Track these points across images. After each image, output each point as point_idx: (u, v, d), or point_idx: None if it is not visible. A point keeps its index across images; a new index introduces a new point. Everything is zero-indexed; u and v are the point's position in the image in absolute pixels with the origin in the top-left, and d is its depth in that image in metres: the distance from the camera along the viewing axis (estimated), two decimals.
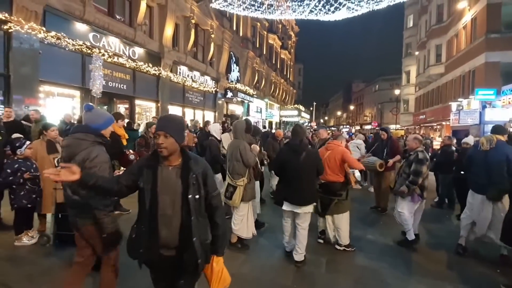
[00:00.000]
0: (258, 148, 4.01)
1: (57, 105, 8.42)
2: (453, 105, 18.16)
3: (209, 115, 16.91)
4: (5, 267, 2.95)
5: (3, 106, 6.97)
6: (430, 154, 9.54)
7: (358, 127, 45.64)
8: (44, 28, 7.46)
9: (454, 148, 6.07)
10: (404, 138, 7.76)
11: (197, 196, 1.61)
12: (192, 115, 15.40)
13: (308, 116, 41.27)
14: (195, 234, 1.62)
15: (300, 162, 3.16)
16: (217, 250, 1.76)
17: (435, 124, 23.43)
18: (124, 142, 4.23)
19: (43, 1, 7.40)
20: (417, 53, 27.47)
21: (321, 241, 3.93)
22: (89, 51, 8.80)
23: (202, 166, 1.67)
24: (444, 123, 20.90)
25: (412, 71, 30.33)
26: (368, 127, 45.42)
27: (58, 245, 3.35)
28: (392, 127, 32.24)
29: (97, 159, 1.99)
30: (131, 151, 3.61)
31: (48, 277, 2.80)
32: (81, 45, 8.47)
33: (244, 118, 14.51)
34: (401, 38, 32.62)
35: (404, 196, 3.83)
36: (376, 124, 37.15)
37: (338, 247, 3.74)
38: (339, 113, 77.55)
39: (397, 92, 31.15)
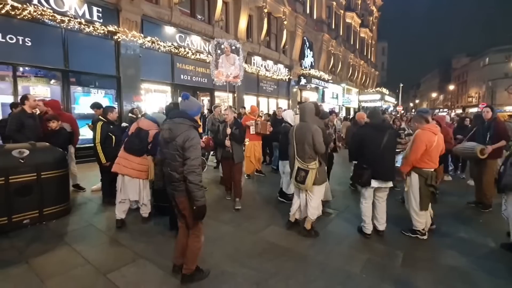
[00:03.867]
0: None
1: (154, 100, 9.94)
2: None
3: (283, 103, 17.03)
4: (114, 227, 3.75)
5: (116, 103, 8.67)
6: None
7: (459, 111, 38.09)
8: (142, 35, 8.84)
9: None
10: None
11: None
12: (266, 104, 15.81)
13: (393, 100, 36.63)
14: None
15: (385, 141, 3.33)
16: None
17: None
18: (200, 130, 4.76)
19: (140, 11, 8.73)
20: None
21: (425, 237, 3.54)
22: (176, 51, 10.01)
23: None
24: None
25: None
26: (473, 110, 37.54)
27: (156, 214, 4.05)
28: (508, 108, 25.91)
29: (194, 140, 2.29)
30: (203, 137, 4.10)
31: (145, 237, 3.45)
32: (170, 46, 9.69)
33: (310, 101, 13.95)
34: None
35: None
36: (485, 106, 30.32)
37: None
38: (434, 94, 66.58)
39: None
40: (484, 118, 4.60)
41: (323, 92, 21.22)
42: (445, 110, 47.46)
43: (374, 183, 3.40)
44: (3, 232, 3.40)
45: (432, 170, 3.42)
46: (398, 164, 3.68)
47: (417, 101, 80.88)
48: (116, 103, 8.63)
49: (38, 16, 6.67)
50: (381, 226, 3.60)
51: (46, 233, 3.53)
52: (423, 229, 3.55)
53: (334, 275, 2.74)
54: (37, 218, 3.70)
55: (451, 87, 51.95)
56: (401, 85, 39.44)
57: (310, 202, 3.51)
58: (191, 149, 2.26)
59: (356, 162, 3.66)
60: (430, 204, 3.55)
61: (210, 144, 4.29)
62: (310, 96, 20.19)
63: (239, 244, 3.32)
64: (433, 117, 4.51)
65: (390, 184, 3.46)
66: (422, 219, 3.51)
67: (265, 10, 14.28)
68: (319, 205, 3.59)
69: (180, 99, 2.58)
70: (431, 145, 3.33)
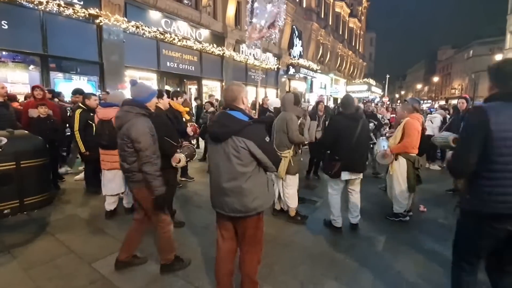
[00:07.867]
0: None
1: None
2: None
3: (271, 93, 16.97)
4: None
5: (100, 90, 8.38)
6: None
7: (442, 102, 39.07)
8: (126, 19, 8.49)
9: None
10: None
11: None
12: (254, 93, 15.68)
13: (379, 91, 37.15)
14: None
15: (359, 130, 3.22)
16: None
17: None
18: (187, 117, 4.64)
19: None
20: None
21: (407, 218, 3.77)
22: (162, 37, 9.70)
23: None
24: None
25: None
26: (455, 101, 38.62)
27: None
28: None
29: (141, 129, 2.13)
30: (189, 124, 3.96)
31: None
32: (155, 32, 9.38)
33: (291, 92, 13.76)
34: None
35: None
36: (460, 97, 31.09)
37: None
38: (419, 86, 68.15)
39: (498, 57, 25.42)
40: (460, 109, 4.79)
41: (312, 82, 21.26)
42: (429, 101, 48.59)
43: (345, 175, 3.25)
44: None
45: (415, 154, 3.62)
46: (383, 149, 3.75)
47: (402, 92, 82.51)
48: (100, 90, 8.35)
49: None
50: (354, 219, 3.46)
51: (28, 223, 3.44)
52: (404, 211, 3.74)
53: (319, 260, 2.82)
54: (18, 208, 3.58)
55: (436, 79, 53.18)
56: (388, 76, 39.98)
57: (286, 190, 3.61)
58: (140, 139, 2.11)
59: (328, 152, 3.46)
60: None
61: (197, 132, 4.25)
62: (299, 86, 20.20)
63: None
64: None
65: (361, 175, 3.37)
66: (404, 201, 3.67)
67: None
68: (294, 193, 3.66)
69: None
70: (418, 132, 3.56)
